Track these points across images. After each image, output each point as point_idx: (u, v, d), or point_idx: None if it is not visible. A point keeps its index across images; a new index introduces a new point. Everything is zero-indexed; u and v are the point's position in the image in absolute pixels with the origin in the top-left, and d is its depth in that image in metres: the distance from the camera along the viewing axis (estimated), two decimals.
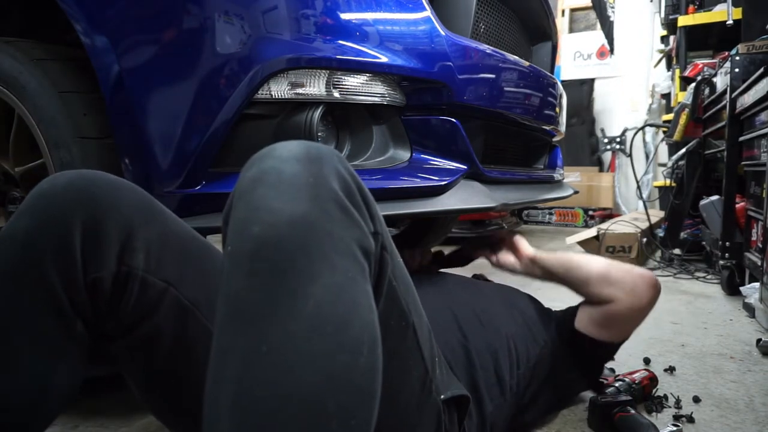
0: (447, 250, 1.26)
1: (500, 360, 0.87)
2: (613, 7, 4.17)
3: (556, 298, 1.13)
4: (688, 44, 3.45)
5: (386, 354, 0.46)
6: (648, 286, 0.93)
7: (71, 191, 0.55)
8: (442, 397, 0.68)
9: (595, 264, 0.97)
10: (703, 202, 2.46)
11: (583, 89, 5.34)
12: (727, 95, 2.18)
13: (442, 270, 1.16)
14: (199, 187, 0.89)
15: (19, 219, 0.54)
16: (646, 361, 1.35)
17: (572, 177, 5.02)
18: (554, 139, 1.54)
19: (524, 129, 1.32)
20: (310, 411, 0.39)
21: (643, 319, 0.98)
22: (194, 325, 0.60)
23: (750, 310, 1.82)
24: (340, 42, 0.90)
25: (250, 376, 0.40)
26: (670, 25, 3.72)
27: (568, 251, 1.48)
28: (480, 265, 1.18)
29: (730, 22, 2.73)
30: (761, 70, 1.78)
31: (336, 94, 0.90)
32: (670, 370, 1.29)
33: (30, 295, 0.53)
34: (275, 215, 0.43)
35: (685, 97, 2.84)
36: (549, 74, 1.37)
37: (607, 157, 5.45)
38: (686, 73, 3.14)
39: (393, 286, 0.55)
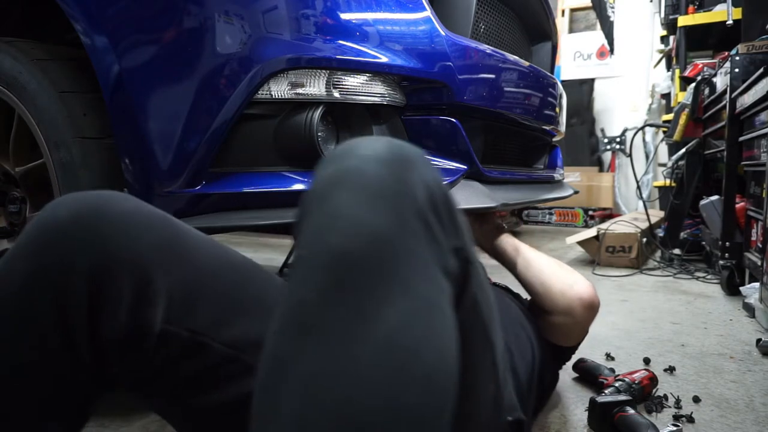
0: None
1: (517, 366, 0.86)
2: (613, 7, 4.17)
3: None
4: (688, 44, 3.44)
5: (465, 369, 0.42)
6: (583, 308, 0.94)
7: (76, 229, 0.47)
8: (509, 418, 0.65)
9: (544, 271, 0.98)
10: (703, 202, 2.46)
11: (583, 89, 5.34)
12: (727, 95, 2.18)
13: None
14: (199, 187, 0.89)
15: (15, 260, 0.48)
16: (646, 361, 1.35)
17: (572, 177, 5.02)
18: (554, 139, 1.54)
19: (524, 129, 1.32)
20: None
21: (582, 331, 1.00)
22: (236, 370, 0.55)
23: (750, 310, 1.82)
24: (340, 42, 0.90)
25: (311, 397, 0.37)
26: (670, 25, 3.72)
27: (569, 251, 1.48)
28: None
29: (730, 22, 2.73)
30: (761, 70, 1.78)
31: (336, 94, 0.90)
32: (670, 370, 1.29)
33: (25, 355, 0.47)
34: (355, 227, 0.39)
35: (685, 97, 2.84)
36: (549, 74, 1.36)
37: (607, 157, 5.45)
38: (686, 73, 3.14)
39: (477, 300, 0.51)
